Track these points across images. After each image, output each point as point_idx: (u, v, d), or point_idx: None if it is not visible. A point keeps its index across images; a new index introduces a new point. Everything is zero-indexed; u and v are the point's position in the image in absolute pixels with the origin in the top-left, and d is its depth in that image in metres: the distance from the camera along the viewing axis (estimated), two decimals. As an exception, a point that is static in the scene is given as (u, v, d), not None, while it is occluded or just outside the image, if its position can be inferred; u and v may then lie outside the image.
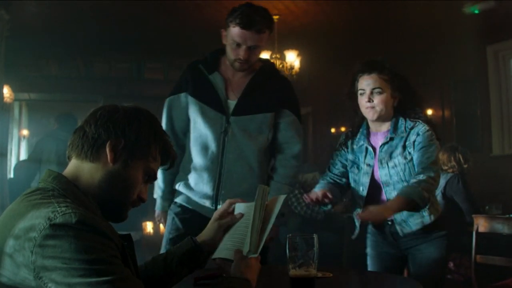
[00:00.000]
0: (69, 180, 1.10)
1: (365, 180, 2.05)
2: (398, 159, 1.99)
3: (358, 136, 2.13)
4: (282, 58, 5.56)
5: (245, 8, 2.03)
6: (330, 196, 1.97)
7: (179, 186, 2.19)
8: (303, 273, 1.30)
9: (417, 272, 2.02)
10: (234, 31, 2.03)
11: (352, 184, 2.13)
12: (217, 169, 2.10)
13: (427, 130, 1.97)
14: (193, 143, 2.15)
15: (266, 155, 2.19)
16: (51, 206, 0.96)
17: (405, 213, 1.96)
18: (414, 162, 1.96)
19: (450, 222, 2.16)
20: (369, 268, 2.15)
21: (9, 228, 0.96)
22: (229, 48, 2.08)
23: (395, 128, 2.03)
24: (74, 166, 1.13)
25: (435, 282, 1.98)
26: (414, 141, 1.97)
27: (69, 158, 1.15)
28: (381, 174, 2.02)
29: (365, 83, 2.03)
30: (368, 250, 2.16)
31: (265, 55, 5.45)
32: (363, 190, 2.06)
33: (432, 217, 1.96)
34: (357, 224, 2.12)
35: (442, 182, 3.49)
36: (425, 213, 1.95)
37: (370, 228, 2.13)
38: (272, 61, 5.43)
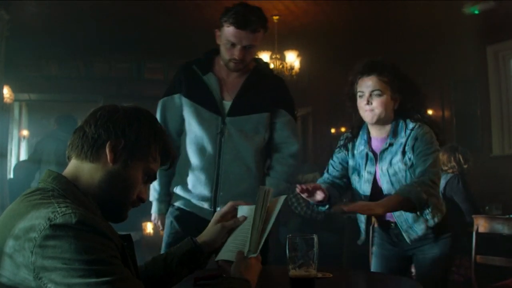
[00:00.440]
0: (69, 180, 1.10)
1: (367, 188, 2.01)
2: (398, 165, 1.94)
3: (358, 140, 2.07)
4: (282, 58, 5.57)
5: (240, 7, 2.02)
6: (324, 192, 1.90)
7: (176, 189, 2.17)
8: (303, 274, 1.30)
9: (421, 272, 2.02)
10: (229, 30, 2.01)
11: (354, 190, 2.08)
12: (214, 170, 2.09)
13: (426, 133, 1.92)
14: (189, 145, 2.13)
15: (263, 155, 2.18)
16: (51, 206, 0.96)
17: (410, 220, 1.92)
18: (414, 167, 1.91)
19: (455, 223, 2.14)
20: (373, 267, 2.13)
21: (9, 228, 0.96)
22: (224, 48, 2.07)
23: (394, 133, 1.98)
24: (74, 166, 1.13)
25: (436, 282, 1.97)
26: (413, 146, 1.92)
27: (69, 158, 1.15)
28: (382, 182, 1.97)
29: (364, 85, 1.98)
30: (374, 249, 2.14)
31: (265, 55, 5.46)
32: (364, 198, 2.01)
33: (436, 220, 1.93)
34: (363, 230, 2.09)
35: (442, 182, 3.49)
36: (428, 217, 1.92)
37: (376, 227, 2.12)
38: (272, 61, 5.52)
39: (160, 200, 2.23)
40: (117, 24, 5.41)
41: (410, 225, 1.94)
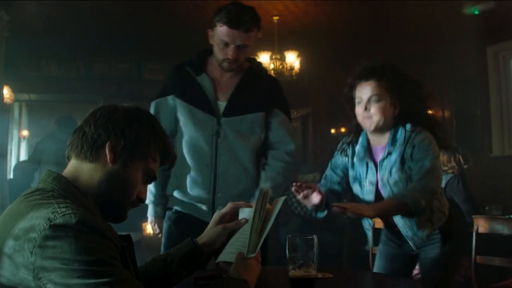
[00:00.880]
0: (68, 181, 1.10)
1: (370, 197, 1.95)
2: (398, 175, 1.88)
3: (358, 148, 2.01)
4: (282, 58, 5.56)
5: (232, 7, 2.00)
6: (321, 194, 1.85)
7: (173, 192, 2.15)
8: (303, 274, 1.30)
9: (425, 272, 2.01)
10: (222, 30, 2.00)
11: (357, 198, 2.04)
12: (211, 172, 2.07)
13: (423, 140, 1.86)
14: (185, 147, 2.11)
15: (259, 155, 2.16)
16: (51, 206, 0.96)
17: (414, 227, 1.89)
18: (412, 173, 1.85)
19: (459, 224, 2.10)
20: (377, 264, 2.11)
21: (8, 229, 0.96)
22: (217, 48, 2.06)
23: (393, 141, 1.91)
24: (74, 166, 1.13)
25: (440, 283, 1.95)
26: (411, 154, 1.86)
27: (69, 159, 1.15)
28: (384, 192, 1.92)
29: (362, 91, 1.92)
30: (379, 247, 2.13)
31: (265, 55, 5.46)
32: None
33: (440, 223, 1.91)
34: (370, 237, 2.08)
35: (442, 183, 3.49)
36: (428, 224, 1.89)
37: (383, 228, 2.10)
38: (272, 61, 5.51)
39: (156, 202, 2.20)
40: (117, 25, 5.41)
41: (415, 232, 1.90)
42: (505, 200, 4.35)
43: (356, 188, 2.03)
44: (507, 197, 4.52)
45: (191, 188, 2.10)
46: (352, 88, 1.97)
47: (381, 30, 5.47)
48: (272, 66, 5.53)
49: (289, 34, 5.51)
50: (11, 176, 5.94)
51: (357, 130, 2.02)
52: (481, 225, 2.43)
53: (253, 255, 1.32)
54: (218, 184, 2.07)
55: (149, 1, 4.75)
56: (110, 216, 1.13)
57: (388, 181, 1.90)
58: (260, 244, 1.35)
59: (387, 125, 1.92)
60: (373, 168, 1.94)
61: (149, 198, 2.20)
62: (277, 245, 2.30)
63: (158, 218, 2.22)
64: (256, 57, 5.49)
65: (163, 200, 2.21)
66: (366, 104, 1.90)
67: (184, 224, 2.11)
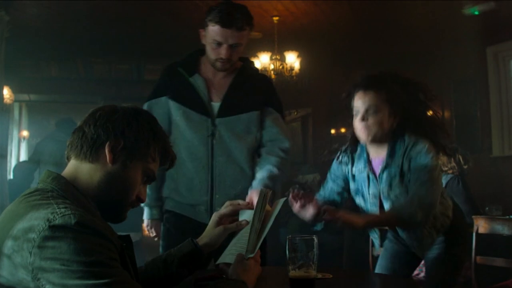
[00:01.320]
0: (68, 181, 1.10)
1: (374, 210, 1.90)
2: (399, 188, 1.82)
3: (357, 159, 1.96)
4: (282, 59, 5.56)
5: (224, 6, 1.98)
6: (316, 208, 1.76)
7: (170, 194, 2.13)
8: (303, 274, 1.30)
9: (429, 271, 2.00)
10: (214, 30, 1.97)
11: (361, 210, 1.99)
12: (208, 173, 2.05)
13: (420, 151, 1.79)
14: (180, 149, 2.07)
15: (254, 156, 2.13)
16: (50, 207, 0.96)
17: (419, 238, 1.86)
18: (410, 185, 1.79)
19: (464, 225, 2.08)
20: (380, 263, 2.08)
21: (8, 229, 0.96)
22: (209, 47, 2.03)
23: (392, 153, 1.84)
24: (73, 166, 1.13)
25: (441, 283, 1.94)
26: (409, 166, 1.80)
27: (68, 159, 1.15)
28: (386, 205, 1.87)
29: (360, 101, 1.85)
30: (385, 243, 2.12)
31: (265, 56, 5.46)
32: None
33: (444, 228, 1.89)
34: (377, 244, 2.05)
35: (442, 183, 3.49)
36: (432, 231, 1.86)
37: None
38: (272, 62, 5.51)
39: (151, 205, 2.18)
40: (117, 25, 5.41)
41: (421, 242, 1.88)
42: (505, 201, 4.35)
43: (359, 200, 1.98)
44: (507, 197, 4.52)
45: (188, 190, 2.08)
46: (351, 96, 1.91)
47: (381, 30, 5.48)
48: (272, 66, 5.53)
49: (289, 34, 5.52)
50: (11, 177, 5.94)
51: (355, 140, 1.96)
52: (481, 225, 2.42)
53: (252, 255, 1.32)
54: (216, 185, 2.05)
55: (149, 2, 4.75)
56: (109, 216, 1.13)
57: (388, 194, 1.85)
58: (259, 245, 1.35)
59: (385, 137, 1.86)
60: (375, 180, 1.89)
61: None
62: (277, 245, 2.29)
63: (155, 221, 2.20)
64: (256, 58, 5.52)
65: (158, 202, 2.18)
66: (364, 115, 1.83)
67: (182, 226, 2.10)
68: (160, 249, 2.17)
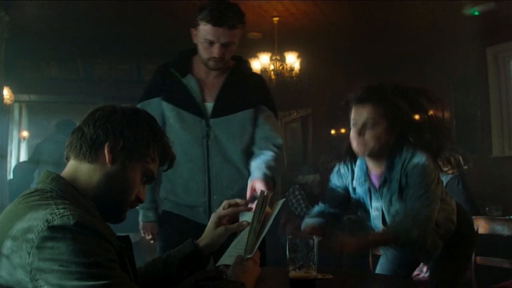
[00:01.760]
0: (67, 182, 1.09)
1: (377, 223, 1.86)
2: (399, 203, 1.77)
3: (357, 172, 1.90)
4: (282, 59, 5.56)
5: (215, 5, 1.96)
6: (318, 230, 1.75)
7: (167, 195, 2.11)
8: (303, 275, 1.30)
9: (433, 271, 1.99)
10: (206, 29, 1.95)
11: (364, 224, 1.96)
12: (205, 175, 2.03)
13: (415, 165, 1.73)
14: (175, 151, 2.05)
15: (249, 155, 2.10)
16: (49, 208, 0.96)
17: (423, 249, 1.81)
18: (408, 200, 1.73)
19: (469, 226, 2.06)
20: (382, 262, 2.06)
21: (7, 229, 0.96)
22: (201, 47, 2.01)
23: (390, 168, 1.78)
24: (72, 167, 1.13)
25: (447, 283, 1.93)
26: (406, 181, 1.75)
27: (67, 159, 1.15)
28: (387, 219, 1.83)
29: (358, 114, 1.78)
30: None
31: (265, 56, 5.46)
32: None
33: (449, 234, 1.86)
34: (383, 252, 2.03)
35: (444, 189, 3.48)
36: (436, 238, 1.82)
37: None
38: (272, 62, 5.51)
39: (146, 207, 2.16)
40: (117, 26, 5.41)
41: (426, 251, 1.84)
42: (505, 201, 4.35)
43: (361, 213, 1.95)
44: (507, 198, 4.52)
45: (185, 191, 2.06)
46: (348, 106, 1.85)
47: (381, 31, 5.48)
48: (272, 67, 5.53)
49: (289, 35, 5.52)
50: (11, 177, 5.94)
51: (351, 152, 1.89)
52: (481, 226, 2.42)
53: (250, 255, 1.32)
54: (213, 186, 2.03)
55: (149, 2, 4.75)
56: (109, 217, 1.13)
57: (389, 209, 1.81)
58: (257, 245, 1.35)
59: (383, 151, 1.79)
60: (376, 193, 1.84)
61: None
62: (277, 245, 2.29)
63: (151, 223, 2.18)
64: (256, 58, 5.52)
65: (153, 204, 2.17)
66: (361, 129, 1.77)
67: (180, 226, 2.08)
68: (158, 249, 2.16)
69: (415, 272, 2.31)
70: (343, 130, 6.35)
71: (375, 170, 1.85)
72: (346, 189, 1.96)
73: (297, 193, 5.14)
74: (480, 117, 5.68)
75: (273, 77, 5.51)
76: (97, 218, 1.05)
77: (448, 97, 5.95)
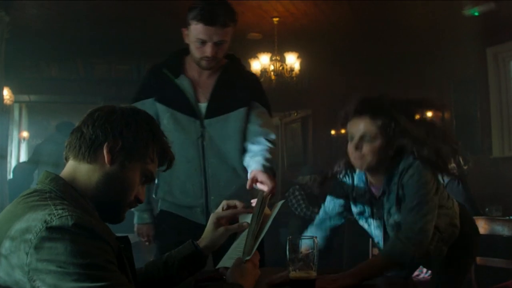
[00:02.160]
0: (66, 182, 1.09)
1: (379, 233, 1.82)
2: (397, 214, 1.72)
3: (357, 181, 1.85)
4: (282, 60, 5.56)
5: (206, 4, 1.94)
6: None
7: (164, 196, 2.10)
8: (303, 275, 1.30)
9: (436, 272, 1.99)
10: (198, 28, 1.93)
11: (367, 233, 1.92)
12: (201, 176, 2.01)
13: (411, 176, 1.67)
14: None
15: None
16: (47, 208, 0.96)
17: (427, 259, 1.74)
18: (402, 216, 1.66)
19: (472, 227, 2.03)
20: None
21: (5, 229, 0.96)
22: (193, 46, 1.98)
23: (389, 180, 1.73)
24: (72, 167, 1.13)
25: (447, 283, 1.92)
26: (403, 193, 1.69)
27: (66, 159, 1.15)
28: (388, 230, 1.79)
29: (355, 127, 1.71)
30: None
31: (265, 57, 5.46)
32: (378, 242, 1.87)
33: (452, 239, 1.81)
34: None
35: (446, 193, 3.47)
36: (440, 244, 1.76)
37: None
38: (272, 63, 5.51)
39: (142, 209, 2.15)
40: (117, 26, 5.41)
41: (430, 259, 1.79)
42: (505, 201, 4.35)
43: (363, 224, 1.91)
44: (507, 198, 4.52)
45: (182, 193, 2.04)
46: (346, 118, 1.78)
47: (381, 31, 5.48)
48: (272, 67, 5.53)
49: (289, 35, 5.52)
50: (11, 177, 5.94)
51: (350, 165, 1.83)
52: (481, 226, 2.42)
53: (248, 257, 1.32)
54: (210, 187, 2.01)
55: (149, 2, 4.75)
56: (108, 217, 1.13)
57: (388, 221, 1.76)
58: (255, 248, 1.35)
59: (382, 165, 1.73)
60: (376, 204, 1.80)
61: None
62: (277, 246, 2.29)
63: (146, 225, 2.17)
64: (256, 59, 5.51)
65: (148, 206, 2.16)
66: (358, 143, 1.70)
67: (177, 226, 2.06)
68: (156, 249, 2.15)
69: (415, 273, 2.30)
70: (343, 131, 6.35)
71: (375, 182, 1.80)
72: (345, 199, 1.93)
73: (297, 193, 5.14)
74: (480, 117, 5.68)
75: (273, 77, 5.51)
76: (96, 219, 1.05)
77: (448, 97, 5.96)
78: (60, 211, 0.94)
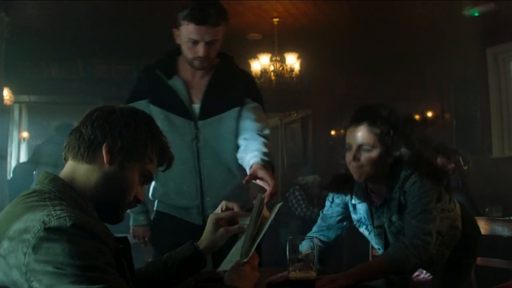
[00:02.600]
0: (65, 183, 1.09)
1: (379, 241, 1.81)
2: (399, 222, 1.71)
3: (356, 189, 1.82)
4: (282, 60, 5.56)
5: (196, 3, 1.92)
6: None
7: (160, 197, 2.09)
8: (303, 276, 1.30)
9: (434, 276, 1.99)
10: (188, 28, 1.91)
11: (368, 240, 1.92)
12: (196, 177, 2.00)
13: (412, 184, 1.65)
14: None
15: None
16: (46, 209, 0.95)
17: (431, 264, 1.76)
18: (405, 224, 1.65)
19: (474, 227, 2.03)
20: None
21: (4, 230, 0.95)
22: (185, 46, 1.96)
23: (389, 188, 1.71)
24: (71, 167, 1.12)
25: (449, 284, 1.92)
26: (405, 201, 1.68)
27: (66, 160, 1.15)
28: (389, 237, 1.78)
29: (352, 137, 1.69)
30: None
31: (265, 57, 5.45)
32: (379, 249, 1.87)
33: (454, 242, 1.82)
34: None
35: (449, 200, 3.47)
36: (442, 248, 1.77)
37: None
38: (272, 63, 5.51)
39: (137, 211, 2.14)
40: (117, 26, 5.41)
41: (432, 263, 1.80)
42: (505, 202, 4.34)
43: (363, 231, 1.90)
44: (507, 198, 4.51)
45: (178, 194, 2.04)
46: (346, 130, 1.75)
47: (380, 31, 5.48)
48: (272, 68, 5.53)
49: (289, 35, 5.51)
50: (11, 177, 5.94)
51: (350, 176, 1.78)
52: (481, 226, 2.41)
53: (245, 260, 1.32)
54: (205, 189, 2.00)
55: (149, 2, 4.75)
56: (107, 217, 1.13)
57: (390, 228, 1.75)
58: (253, 250, 1.34)
59: (381, 174, 1.71)
60: (377, 212, 1.78)
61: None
62: (277, 246, 2.29)
63: (142, 227, 2.16)
64: (256, 59, 5.51)
65: (144, 207, 2.15)
66: (356, 153, 1.68)
67: (174, 226, 2.05)
68: (153, 250, 2.14)
69: (415, 273, 2.30)
70: (343, 131, 6.35)
71: (375, 189, 1.79)
72: (344, 206, 1.91)
73: (297, 193, 5.14)
74: (480, 117, 5.68)
75: (273, 78, 5.51)
76: (95, 219, 1.05)
77: (448, 97, 5.96)
78: (58, 212, 0.94)
